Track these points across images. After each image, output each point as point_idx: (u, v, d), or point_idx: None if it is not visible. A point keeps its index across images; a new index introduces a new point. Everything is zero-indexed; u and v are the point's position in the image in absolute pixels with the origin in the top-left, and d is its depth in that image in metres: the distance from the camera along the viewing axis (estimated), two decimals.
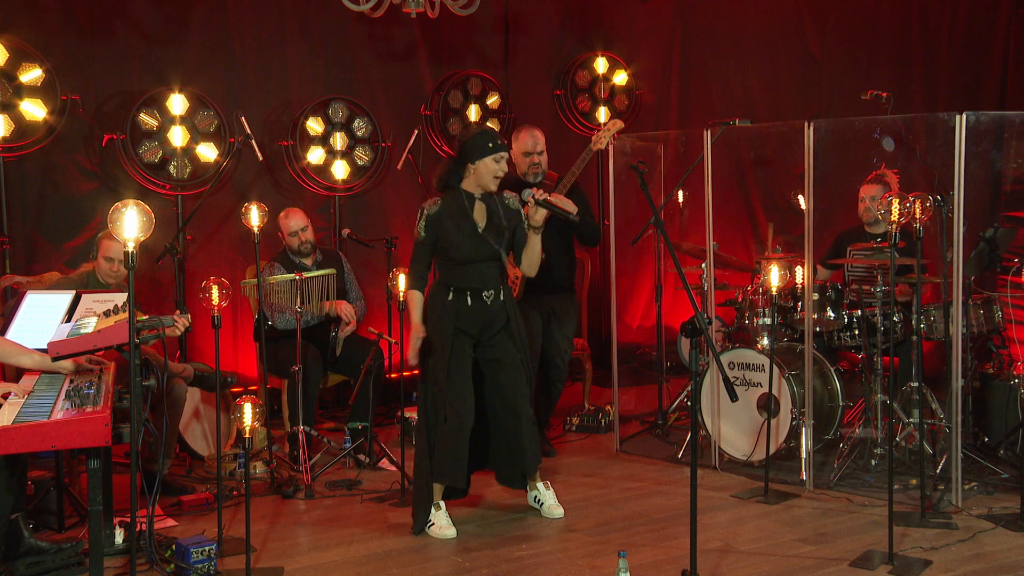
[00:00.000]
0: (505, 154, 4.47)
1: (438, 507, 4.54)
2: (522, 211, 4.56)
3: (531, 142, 5.55)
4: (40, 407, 3.47)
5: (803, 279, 5.32)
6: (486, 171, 4.44)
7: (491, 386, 4.64)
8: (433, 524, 4.52)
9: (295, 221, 5.89)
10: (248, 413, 3.85)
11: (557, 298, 5.70)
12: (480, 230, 4.47)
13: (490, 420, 4.69)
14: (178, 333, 4.03)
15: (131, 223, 3.42)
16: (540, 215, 4.44)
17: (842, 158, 5.78)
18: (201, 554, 4.00)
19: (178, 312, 4.04)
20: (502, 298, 4.57)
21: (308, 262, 5.90)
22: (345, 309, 5.79)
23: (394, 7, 5.40)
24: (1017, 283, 5.18)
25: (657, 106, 8.18)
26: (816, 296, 5.33)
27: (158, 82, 6.39)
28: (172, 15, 6.54)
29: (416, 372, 4.66)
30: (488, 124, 4.42)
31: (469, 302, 4.51)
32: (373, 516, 4.80)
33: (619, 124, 5.56)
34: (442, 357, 4.49)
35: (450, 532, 4.48)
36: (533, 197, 4.42)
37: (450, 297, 4.50)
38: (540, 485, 4.73)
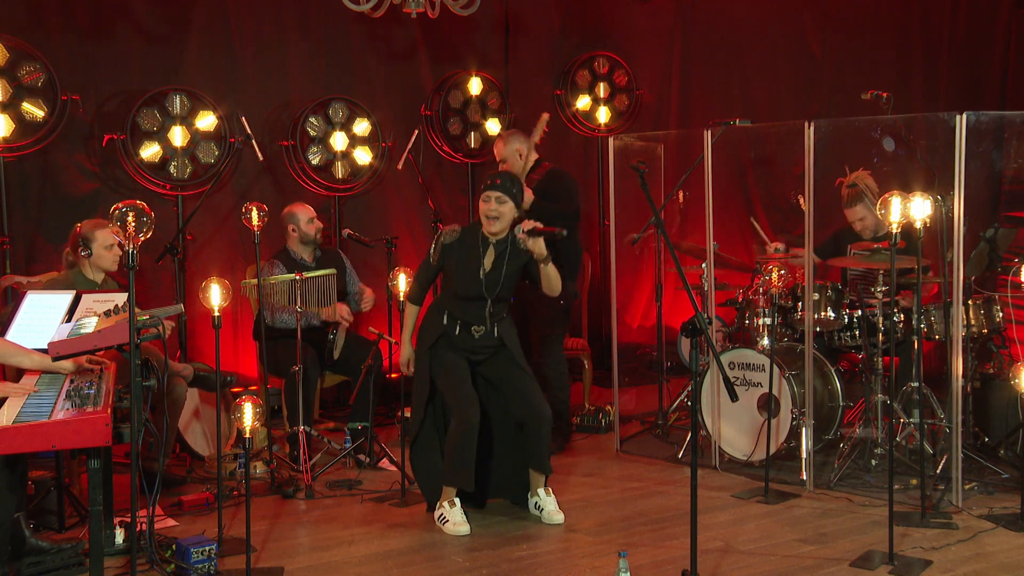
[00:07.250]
0: (492, 192, 4.56)
1: (452, 504, 4.57)
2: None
3: (496, 151, 5.89)
4: (40, 407, 3.46)
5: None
6: (481, 213, 4.63)
7: (498, 402, 4.75)
8: (447, 521, 4.54)
9: (308, 209, 5.94)
10: (248, 413, 3.85)
11: (546, 320, 5.79)
12: (483, 273, 4.59)
13: (495, 436, 4.78)
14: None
15: (134, 225, 3.43)
16: (538, 244, 4.52)
17: (842, 158, 5.78)
18: (201, 554, 4.00)
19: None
20: (496, 334, 4.69)
21: (310, 259, 5.90)
22: (343, 311, 5.77)
23: (394, 7, 5.39)
24: (1017, 283, 5.17)
25: (657, 106, 8.18)
26: (816, 296, 5.33)
27: (158, 82, 6.39)
28: (172, 15, 6.53)
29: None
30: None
31: (458, 331, 4.67)
32: (373, 516, 4.80)
33: (545, 116, 5.79)
34: (440, 368, 4.66)
35: (463, 529, 4.52)
36: (524, 232, 4.50)
37: (444, 321, 4.68)
38: (541, 491, 4.72)
